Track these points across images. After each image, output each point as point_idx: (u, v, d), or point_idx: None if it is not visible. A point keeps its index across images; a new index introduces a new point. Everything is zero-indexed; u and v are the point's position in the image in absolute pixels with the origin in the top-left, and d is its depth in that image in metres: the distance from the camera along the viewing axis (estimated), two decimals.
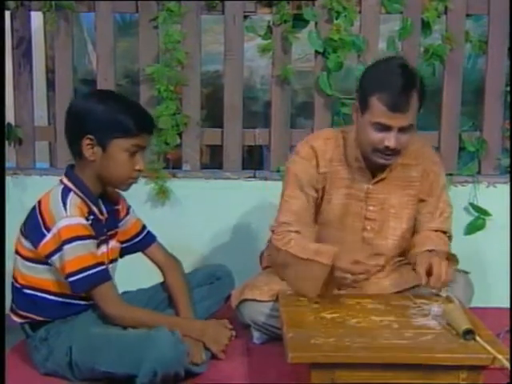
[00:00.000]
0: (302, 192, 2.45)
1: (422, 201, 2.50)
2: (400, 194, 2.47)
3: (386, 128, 2.26)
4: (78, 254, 2.15)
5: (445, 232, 2.51)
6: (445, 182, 2.56)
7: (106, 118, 2.17)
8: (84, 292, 2.21)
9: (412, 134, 2.32)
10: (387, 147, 2.28)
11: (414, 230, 2.52)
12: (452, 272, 2.30)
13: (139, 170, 2.25)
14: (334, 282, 2.31)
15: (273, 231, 2.48)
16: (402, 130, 2.26)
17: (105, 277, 2.21)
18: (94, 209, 2.24)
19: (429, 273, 2.23)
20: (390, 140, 2.26)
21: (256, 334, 2.50)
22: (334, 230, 2.48)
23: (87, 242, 2.17)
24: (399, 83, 2.23)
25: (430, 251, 2.35)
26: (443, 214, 2.51)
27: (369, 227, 2.47)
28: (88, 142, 2.18)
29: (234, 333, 2.37)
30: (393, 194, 2.47)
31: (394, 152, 2.30)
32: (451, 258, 2.41)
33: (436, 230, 2.49)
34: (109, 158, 2.20)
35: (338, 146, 2.46)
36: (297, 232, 2.42)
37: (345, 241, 2.46)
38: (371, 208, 2.46)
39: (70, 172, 2.26)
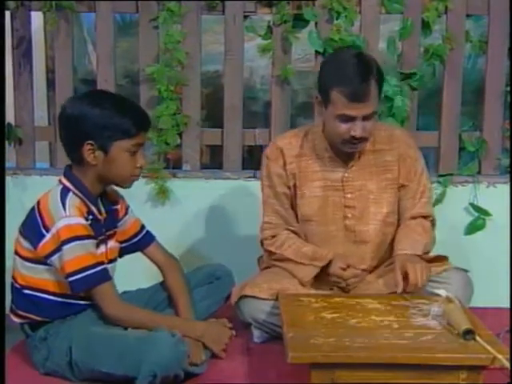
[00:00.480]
0: (275, 192, 2.53)
1: (402, 186, 2.52)
2: (377, 180, 2.50)
3: (350, 118, 2.32)
4: (77, 254, 2.15)
5: (426, 216, 2.53)
6: (423, 165, 2.57)
7: (104, 121, 2.16)
8: (84, 292, 2.21)
9: (375, 119, 2.38)
10: (354, 137, 2.33)
11: (397, 216, 2.54)
12: (428, 270, 2.34)
13: (141, 167, 2.27)
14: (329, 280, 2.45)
15: (262, 235, 2.56)
16: (365, 117, 2.32)
17: (104, 276, 2.21)
18: (93, 209, 2.24)
19: (406, 277, 2.30)
20: (355, 130, 2.32)
21: (256, 333, 2.50)
22: (315, 224, 2.52)
23: (86, 241, 2.17)
24: (356, 74, 2.29)
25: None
26: (423, 198, 2.53)
27: (350, 215, 2.49)
28: (89, 147, 2.18)
29: (233, 332, 2.37)
30: (369, 180, 2.50)
31: (361, 139, 2.36)
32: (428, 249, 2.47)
33: (417, 217, 2.51)
34: (111, 160, 2.20)
35: (306, 141, 2.52)
36: (285, 232, 2.52)
37: (328, 232, 2.50)
38: (349, 196, 2.49)
39: (68, 172, 2.26)
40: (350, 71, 2.30)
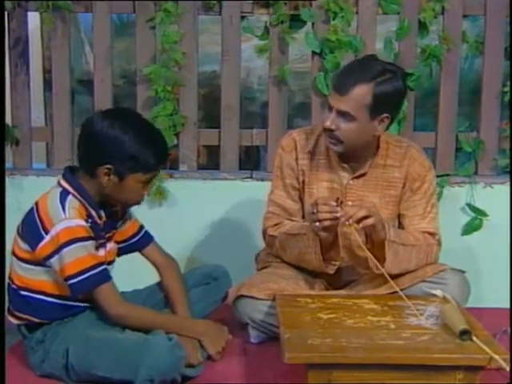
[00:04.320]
0: (284, 184, 2.53)
1: (405, 202, 2.51)
2: (380, 194, 2.50)
3: (330, 108, 2.34)
4: (77, 256, 2.14)
5: (432, 234, 2.50)
6: (433, 186, 2.56)
7: (128, 152, 2.15)
8: (84, 294, 2.20)
9: (354, 127, 2.32)
10: (326, 127, 2.34)
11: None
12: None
13: (146, 194, 2.30)
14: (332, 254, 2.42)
15: (265, 224, 2.54)
16: (341, 114, 2.31)
17: (106, 277, 2.20)
18: (93, 213, 2.23)
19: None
20: (326, 119, 2.34)
21: (253, 333, 2.50)
22: None
23: (86, 243, 2.17)
24: (348, 68, 2.36)
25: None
26: (430, 214, 2.52)
27: (347, 222, 2.47)
28: (106, 170, 2.17)
29: (230, 336, 2.38)
30: (373, 193, 2.49)
31: (333, 136, 2.35)
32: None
33: (423, 232, 2.49)
34: (123, 187, 2.20)
35: (322, 140, 2.51)
36: (287, 221, 2.50)
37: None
38: (349, 203, 2.47)
39: (68, 175, 2.24)
40: (347, 66, 2.38)
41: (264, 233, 2.57)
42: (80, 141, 2.24)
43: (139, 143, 2.16)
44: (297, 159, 2.52)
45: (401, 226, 2.55)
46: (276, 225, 2.52)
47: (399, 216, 2.55)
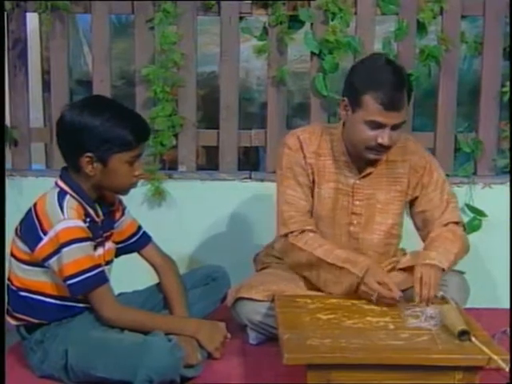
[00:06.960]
0: (298, 183, 2.47)
1: (416, 198, 2.51)
2: (386, 190, 2.49)
3: (379, 126, 2.29)
4: (76, 257, 2.14)
5: (457, 223, 2.50)
6: (442, 174, 2.55)
7: (105, 134, 2.14)
8: (82, 295, 2.20)
9: (401, 130, 2.35)
10: (380, 144, 2.31)
11: (401, 226, 2.55)
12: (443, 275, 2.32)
13: (138, 175, 2.26)
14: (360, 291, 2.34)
15: (288, 228, 2.44)
16: (394, 127, 2.30)
17: (102, 279, 2.20)
18: (91, 211, 2.23)
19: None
20: (383, 138, 2.29)
21: (252, 335, 2.50)
22: (324, 225, 2.49)
23: (85, 244, 2.17)
24: (393, 82, 2.27)
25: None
26: (450, 204, 2.51)
27: (355, 221, 2.48)
28: (87, 159, 2.16)
29: (229, 335, 2.36)
30: (379, 190, 2.49)
31: (386, 148, 2.34)
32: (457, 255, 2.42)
33: (448, 223, 2.47)
34: (109, 171, 2.19)
35: (324, 141, 2.50)
36: (311, 231, 2.43)
37: (334, 235, 2.48)
38: (357, 203, 2.47)
39: (65, 175, 2.25)
40: (386, 78, 2.27)
41: (285, 235, 2.45)
42: (57, 138, 2.24)
43: (111, 123, 2.15)
44: (305, 157, 2.47)
45: (423, 223, 2.51)
46: (302, 232, 2.42)
47: (419, 214, 2.52)
